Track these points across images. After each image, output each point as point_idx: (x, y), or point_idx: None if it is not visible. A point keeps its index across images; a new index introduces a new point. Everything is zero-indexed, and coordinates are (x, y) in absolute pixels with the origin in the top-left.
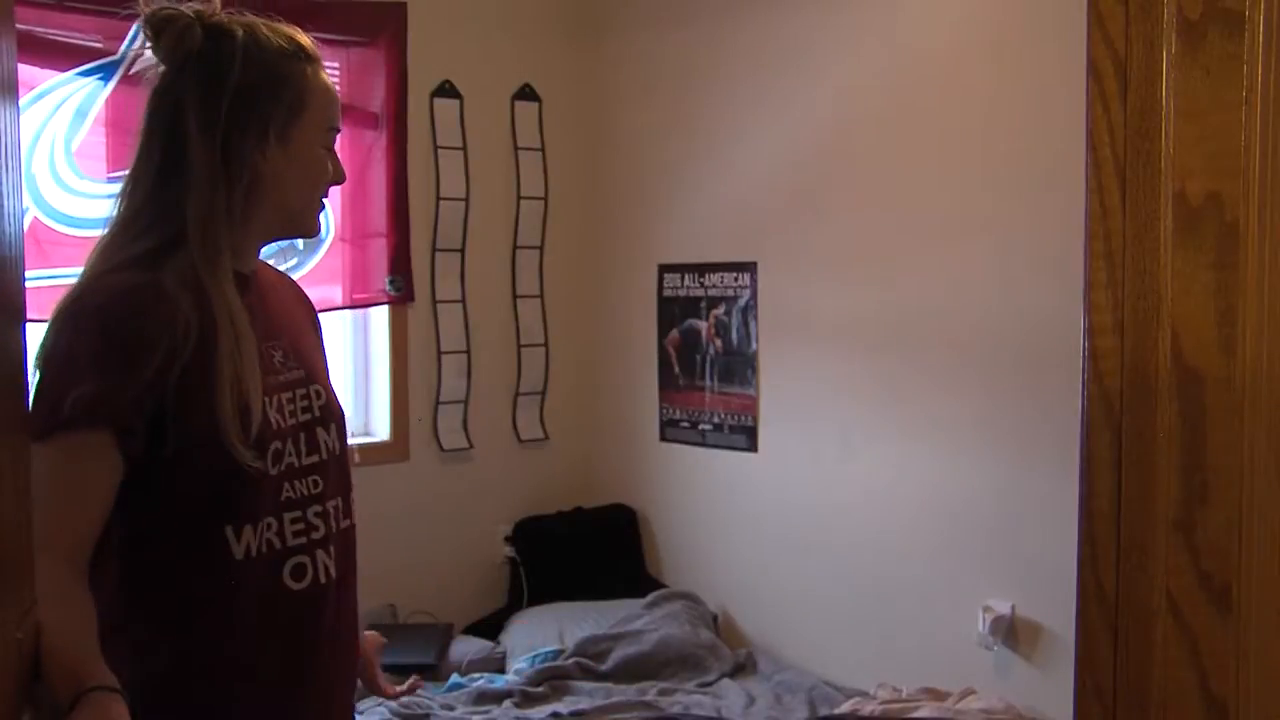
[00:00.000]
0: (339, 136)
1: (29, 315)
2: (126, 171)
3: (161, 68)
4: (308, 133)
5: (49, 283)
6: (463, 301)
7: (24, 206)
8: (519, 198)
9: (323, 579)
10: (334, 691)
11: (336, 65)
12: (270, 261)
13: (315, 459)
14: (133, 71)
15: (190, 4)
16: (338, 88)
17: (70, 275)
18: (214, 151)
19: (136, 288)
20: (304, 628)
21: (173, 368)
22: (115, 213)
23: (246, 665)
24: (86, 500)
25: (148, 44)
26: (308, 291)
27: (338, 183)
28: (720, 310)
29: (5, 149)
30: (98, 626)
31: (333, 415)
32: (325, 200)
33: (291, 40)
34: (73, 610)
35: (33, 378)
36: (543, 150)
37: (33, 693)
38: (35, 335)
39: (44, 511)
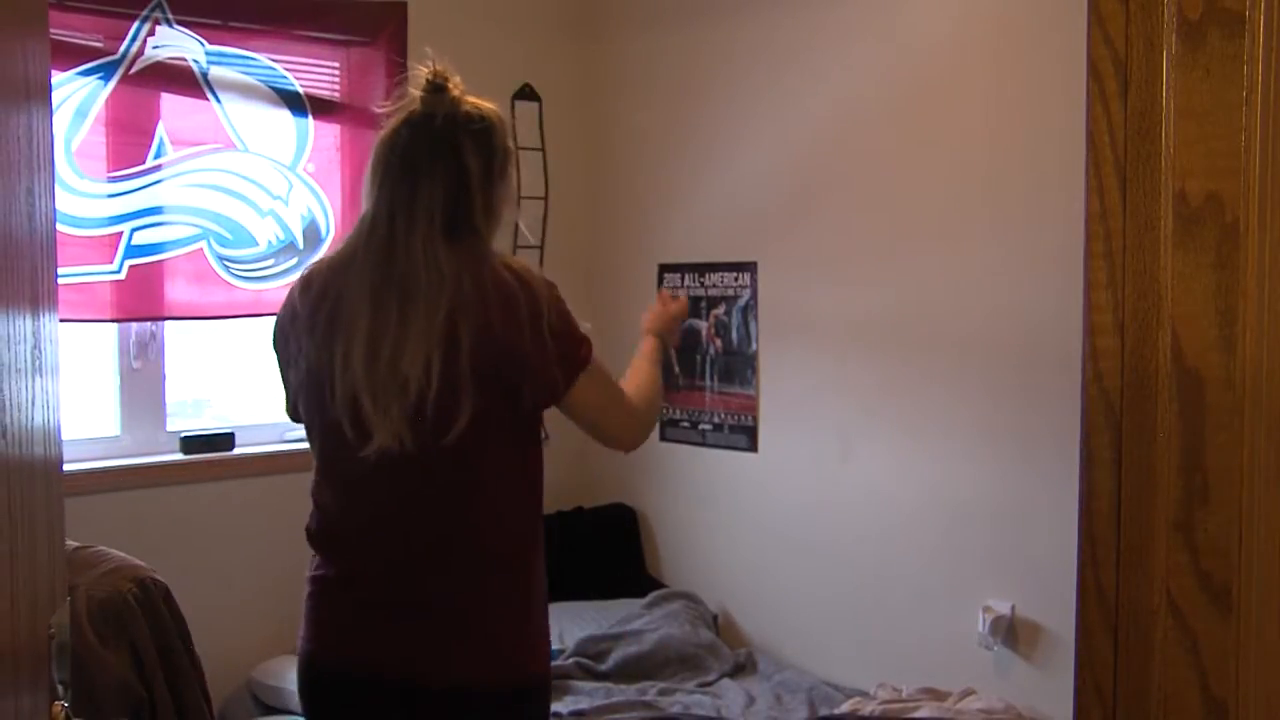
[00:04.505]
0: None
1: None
2: None
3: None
4: None
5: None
6: None
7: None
8: (519, 198)
9: None
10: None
11: (336, 65)
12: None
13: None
14: (133, 71)
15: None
16: (337, 88)
17: (70, 275)
18: None
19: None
20: None
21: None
22: None
23: None
24: None
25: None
26: None
27: None
28: (720, 310)
29: (37, 150)
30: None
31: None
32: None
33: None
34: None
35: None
36: (543, 150)
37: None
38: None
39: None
